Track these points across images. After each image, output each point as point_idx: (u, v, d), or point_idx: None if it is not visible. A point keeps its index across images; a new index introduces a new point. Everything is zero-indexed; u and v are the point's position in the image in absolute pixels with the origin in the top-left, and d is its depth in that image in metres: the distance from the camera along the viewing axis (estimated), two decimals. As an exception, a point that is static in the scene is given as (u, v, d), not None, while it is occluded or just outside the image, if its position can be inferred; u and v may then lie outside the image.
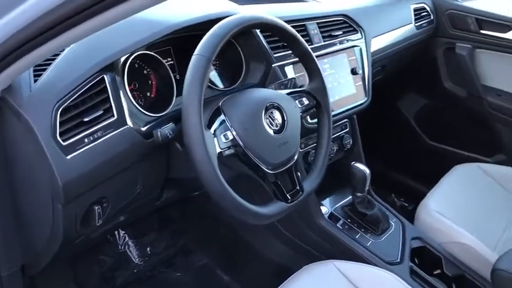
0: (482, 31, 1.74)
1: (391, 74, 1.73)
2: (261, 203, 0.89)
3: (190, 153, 0.78)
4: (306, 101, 1.01)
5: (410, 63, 1.85)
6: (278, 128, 0.91)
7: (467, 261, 1.27)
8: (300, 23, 1.23)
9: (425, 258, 1.29)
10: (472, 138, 1.88)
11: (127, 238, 1.54)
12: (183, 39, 1.03)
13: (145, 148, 0.89)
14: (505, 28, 1.69)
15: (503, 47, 1.70)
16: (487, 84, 1.78)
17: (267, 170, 0.88)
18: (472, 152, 1.85)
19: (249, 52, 1.13)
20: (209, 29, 0.85)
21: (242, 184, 0.93)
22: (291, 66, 1.17)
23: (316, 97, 1.02)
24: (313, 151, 1.25)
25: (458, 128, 1.92)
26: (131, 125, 0.86)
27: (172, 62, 1.05)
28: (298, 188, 0.94)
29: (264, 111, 0.89)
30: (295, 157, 0.94)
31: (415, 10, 1.69)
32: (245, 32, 0.96)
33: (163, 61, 1.00)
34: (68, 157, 0.76)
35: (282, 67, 1.14)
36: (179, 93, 1.00)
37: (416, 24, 1.68)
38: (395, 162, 2.07)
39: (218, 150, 0.83)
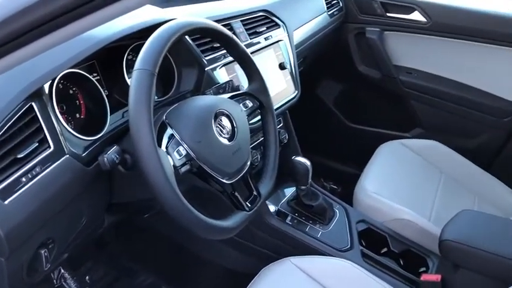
0: (388, 14, 1.83)
1: (311, 64, 1.76)
2: (219, 216, 0.85)
3: (147, 176, 0.72)
4: (249, 103, 0.98)
5: (325, 51, 1.90)
6: (229, 135, 0.87)
7: (409, 235, 1.34)
8: (225, 23, 1.19)
9: (372, 239, 1.33)
10: (390, 117, 1.99)
11: (62, 271, 1.41)
12: (107, 50, 0.94)
13: (88, 176, 0.81)
14: (409, 10, 1.79)
15: (410, 28, 1.81)
16: (398, 64, 1.88)
17: (225, 181, 0.84)
18: (392, 130, 1.96)
19: (179, 58, 1.07)
20: (138, 39, 0.79)
21: (196, 199, 0.88)
22: (224, 68, 1.13)
23: (259, 98, 1.00)
24: (254, 151, 1.23)
25: (376, 109, 2.01)
26: (70, 154, 0.77)
27: (98, 77, 0.96)
28: (255, 193, 0.92)
29: (213, 120, 0.85)
30: (249, 162, 0.91)
31: (325, -1, 1.73)
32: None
33: (90, 77, 0.91)
34: (6, 202, 0.66)
35: (214, 70, 1.10)
36: (113, 111, 0.93)
37: (328, 13, 1.72)
38: (319, 148, 2.12)
39: (173, 168, 0.77)
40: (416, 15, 1.78)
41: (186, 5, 1.18)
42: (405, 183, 1.51)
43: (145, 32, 0.88)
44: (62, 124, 0.79)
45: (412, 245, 1.32)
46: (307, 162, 1.26)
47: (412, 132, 1.94)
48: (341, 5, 1.83)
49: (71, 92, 0.91)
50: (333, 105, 2.08)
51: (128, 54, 0.98)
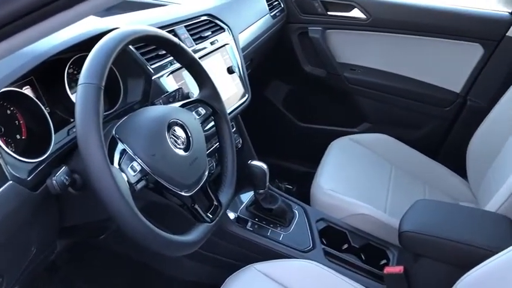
0: (329, 13, 1.86)
1: (257, 66, 1.75)
2: (181, 230, 0.82)
3: (101, 196, 0.67)
4: (202, 111, 0.95)
5: (271, 52, 1.90)
6: (185, 145, 0.84)
7: (368, 229, 1.36)
8: (169, 29, 1.15)
9: (333, 237, 1.34)
10: (339, 114, 2.02)
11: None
12: (46, 65, 0.88)
13: (35, 202, 0.75)
14: (348, 7, 1.83)
15: (351, 25, 1.84)
16: (342, 62, 1.91)
17: (184, 194, 0.81)
18: (341, 127, 1.99)
19: (123, 68, 1.02)
20: (79, 51, 0.74)
21: (155, 215, 0.84)
22: (171, 76, 1.09)
23: (211, 104, 0.97)
24: (209, 158, 1.20)
25: (325, 107, 2.04)
26: (13, 180, 0.71)
27: (38, 94, 0.90)
28: (216, 203, 0.89)
29: (166, 131, 0.81)
30: (206, 172, 0.89)
31: (267, 0, 1.72)
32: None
33: (29, 94, 0.85)
34: None
35: (162, 78, 1.06)
36: (57, 129, 0.87)
37: (271, 14, 1.72)
38: (272, 149, 2.12)
39: (128, 186, 0.73)
40: (356, 13, 1.82)
41: (127, 13, 1.13)
42: (359, 178, 1.53)
43: (87, 43, 0.84)
44: (1, 147, 0.73)
45: (372, 238, 1.34)
46: (264, 166, 1.25)
47: (360, 127, 1.98)
48: (282, 6, 1.83)
49: (8, 112, 0.84)
50: (282, 106, 2.08)
51: (69, 68, 0.92)
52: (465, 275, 0.96)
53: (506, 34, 1.66)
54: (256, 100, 2.04)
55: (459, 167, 1.66)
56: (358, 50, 1.88)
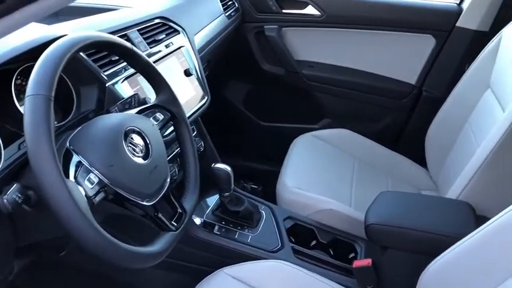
0: (284, 11, 1.86)
1: (215, 67, 1.73)
2: (146, 240, 0.79)
3: (57, 212, 0.64)
4: (160, 116, 0.92)
5: (228, 53, 1.88)
6: (144, 153, 0.81)
7: (334, 224, 1.37)
8: (121, 34, 1.12)
9: (301, 234, 1.34)
10: (299, 111, 2.02)
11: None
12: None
13: (-14, 223, 0.71)
14: (302, 5, 1.84)
15: (306, 22, 1.85)
16: (300, 59, 1.92)
17: (146, 204, 0.79)
18: (302, 124, 1.99)
19: (74, 76, 0.98)
20: (26, 60, 0.70)
21: (118, 227, 0.81)
22: (126, 81, 1.06)
23: (169, 109, 0.95)
24: (171, 164, 1.18)
25: (285, 105, 2.04)
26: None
27: (-18, 108, 0.85)
28: (180, 210, 0.87)
29: (123, 139, 0.78)
30: (168, 179, 0.86)
31: (221, 1, 1.71)
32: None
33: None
34: None
35: (116, 85, 1.03)
36: (7, 144, 0.82)
37: (226, 14, 1.70)
38: (235, 150, 2.11)
39: (86, 199, 0.70)
40: (310, 10, 1.83)
41: (77, 19, 1.09)
42: (323, 174, 1.54)
43: (34, 52, 0.79)
44: None
45: (339, 233, 1.35)
46: (228, 168, 1.23)
47: (321, 123, 1.99)
48: (237, 5, 1.82)
49: (-50, 129, 0.79)
50: (242, 106, 2.07)
51: (16, 79, 0.87)
52: (431, 263, 0.98)
53: (456, 25, 1.71)
54: (216, 101, 2.02)
55: (419, 157, 1.70)
56: (315, 47, 1.89)
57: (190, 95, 1.28)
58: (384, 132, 1.91)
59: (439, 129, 1.61)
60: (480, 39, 1.66)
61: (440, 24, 1.73)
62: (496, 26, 1.63)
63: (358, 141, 1.75)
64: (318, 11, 1.81)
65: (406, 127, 1.89)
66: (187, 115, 1.24)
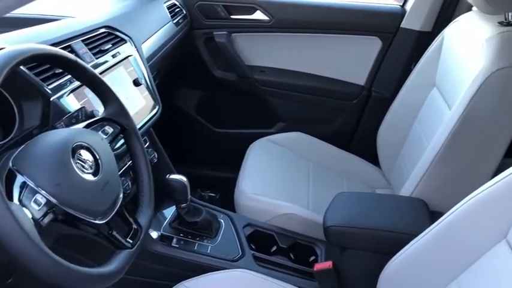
0: (232, 16, 1.85)
1: (165, 75, 1.70)
2: (102, 260, 0.76)
3: (2, 239, 0.60)
4: (109, 129, 0.89)
5: (178, 60, 1.85)
6: (93, 169, 0.77)
7: (294, 228, 1.37)
8: (64, 45, 1.07)
9: (261, 241, 1.33)
10: (254, 116, 2.02)
11: None
12: None
13: None
14: (251, 10, 1.84)
15: (255, 27, 1.85)
16: (251, 64, 1.91)
17: (98, 222, 0.75)
18: (257, 129, 1.99)
19: (16, 91, 0.92)
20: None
21: (70, 248, 0.77)
22: (72, 94, 1.01)
23: (119, 121, 0.91)
24: (123, 178, 1.14)
25: (239, 110, 2.03)
26: None
27: None
28: (135, 226, 0.84)
29: (71, 156, 0.74)
30: (121, 195, 0.83)
31: (168, 8, 1.68)
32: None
33: None
34: None
35: (62, 98, 0.98)
36: None
37: (174, 22, 1.67)
38: (190, 158, 2.08)
39: (33, 222, 0.66)
40: (259, 15, 1.83)
41: (14, 31, 1.03)
42: (280, 178, 1.54)
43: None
44: None
45: (298, 236, 1.35)
46: (184, 179, 1.20)
47: (276, 127, 1.99)
48: (185, 12, 1.79)
49: None
50: (196, 113, 2.04)
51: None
52: (390, 261, 1.00)
53: (401, 26, 1.77)
54: (168, 110, 1.98)
55: (372, 156, 1.73)
56: (265, 52, 1.90)
57: (140, 105, 1.24)
58: (336, 133, 1.94)
59: (390, 129, 1.65)
60: (424, 39, 1.72)
61: (385, 26, 1.78)
62: (438, 26, 1.69)
63: (312, 143, 1.77)
64: (267, 16, 1.82)
65: (358, 127, 1.93)
66: (139, 126, 1.20)
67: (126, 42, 1.29)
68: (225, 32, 1.85)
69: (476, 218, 0.88)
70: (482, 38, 1.21)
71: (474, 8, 1.48)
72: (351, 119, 1.93)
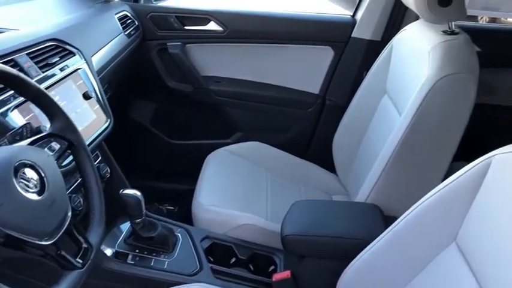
0: (186, 27, 1.84)
1: (119, 87, 1.66)
2: (50, 280, 0.72)
3: None
4: (56, 145, 0.86)
5: (132, 72, 1.82)
6: (38, 188, 0.74)
7: (252, 238, 1.36)
8: (7, 59, 1.02)
9: (219, 253, 1.32)
10: (211, 127, 2.00)
11: None
12: None
13: None
14: (204, 21, 1.83)
15: (209, 38, 1.85)
16: (207, 75, 1.91)
17: (45, 243, 0.71)
18: (215, 139, 1.98)
19: (-46, 108, 0.88)
20: None
21: (17, 271, 0.73)
22: (16, 110, 0.97)
23: (66, 137, 0.88)
24: (74, 195, 1.10)
25: (196, 121, 2.01)
26: None
27: None
28: (85, 245, 0.81)
29: (13, 175, 0.71)
30: (70, 213, 0.79)
31: (119, 19, 1.64)
32: None
33: None
34: None
35: (5, 115, 0.94)
36: None
37: (126, 33, 1.64)
38: (147, 171, 2.04)
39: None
40: (213, 25, 1.83)
41: None
42: (237, 188, 1.53)
43: None
44: None
45: (257, 247, 1.34)
46: (137, 193, 1.18)
47: (233, 138, 1.99)
48: (137, 23, 1.76)
49: None
50: (152, 125, 2.00)
51: None
52: (348, 267, 1.01)
53: (352, 35, 1.81)
54: (123, 123, 1.94)
55: (328, 163, 1.75)
56: (220, 62, 1.90)
57: (91, 119, 1.21)
58: (293, 141, 1.96)
59: (344, 136, 1.68)
60: (374, 48, 1.77)
61: (337, 35, 1.82)
62: (388, 35, 1.74)
63: (269, 152, 1.77)
64: (220, 26, 1.82)
65: (314, 135, 1.95)
66: (89, 140, 1.17)
67: (74, 55, 1.25)
68: (179, 43, 1.84)
69: (427, 221, 0.91)
70: (428, 46, 1.25)
71: (421, 17, 1.54)
72: (307, 127, 1.95)
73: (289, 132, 1.96)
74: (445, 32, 1.28)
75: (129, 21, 1.71)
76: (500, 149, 0.80)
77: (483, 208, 0.81)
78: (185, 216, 1.50)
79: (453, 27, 1.28)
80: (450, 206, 0.87)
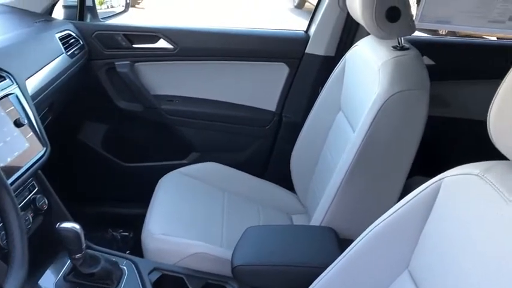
0: (134, 45, 1.77)
1: (63, 110, 1.57)
2: None
3: None
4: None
5: (77, 93, 1.73)
6: None
7: (205, 268, 1.28)
8: None
9: (169, 286, 1.24)
10: (165, 148, 1.93)
11: None
12: None
13: None
14: (153, 39, 1.76)
15: (159, 56, 1.78)
16: (157, 94, 1.83)
17: None
18: (169, 160, 1.90)
19: None
20: None
21: None
22: None
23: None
24: (3, 232, 1.00)
25: (148, 142, 1.94)
26: None
27: None
28: (1, 295, 0.72)
29: None
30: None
31: (61, 39, 1.55)
32: None
33: None
34: None
35: None
36: None
37: (68, 53, 1.55)
38: (99, 196, 1.95)
39: None
40: (162, 43, 1.76)
41: None
42: (191, 214, 1.46)
43: None
44: None
45: (210, 277, 1.27)
46: (76, 226, 1.08)
47: (189, 158, 1.92)
48: (82, 42, 1.68)
49: None
50: (102, 148, 1.91)
51: None
52: (301, 297, 0.95)
53: (306, 51, 1.77)
54: (70, 147, 1.85)
55: (287, 182, 1.71)
56: (172, 81, 1.83)
57: (23, 148, 1.11)
58: (251, 161, 1.90)
59: (301, 154, 1.64)
60: (329, 63, 1.74)
61: (291, 52, 1.78)
62: (341, 51, 1.72)
63: (226, 173, 1.71)
64: (171, 44, 1.75)
65: (271, 154, 1.91)
66: (22, 171, 1.08)
67: (5, 79, 1.16)
68: (127, 62, 1.76)
69: (380, 247, 0.87)
70: (378, 62, 1.23)
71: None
72: (265, 146, 1.90)
73: (247, 151, 1.91)
74: (395, 47, 1.25)
75: (72, 40, 1.62)
76: (450, 171, 0.77)
77: (433, 234, 0.77)
78: (140, 242, 1.42)
79: (403, 42, 1.26)
80: (402, 231, 0.83)
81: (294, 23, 1.81)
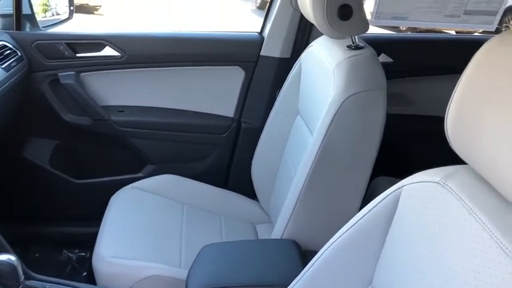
0: (78, 55, 1.65)
1: (4, 127, 1.45)
2: None
3: None
4: None
5: (18, 108, 1.61)
6: None
7: (161, 291, 1.20)
8: None
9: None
10: (117, 161, 1.82)
11: None
12: None
13: None
14: (99, 46, 1.66)
15: (107, 65, 1.67)
16: (106, 105, 1.72)
17: None
18: (123, 174, 1.79)
19: None
20: None
21: None
22: None
23: None
24: None
25: (99, 157, 1.82)
26: None
27: None
28: None
29: None
30: None
31: (-6, 52, 1.43)
32: None
33: None
34: None
35: None
36: None
37: (3, 66, 1.43)
38: (50, 216, 1.82)
39: None
40: (109, 51, 1.66)
41: None
42: (146, 232, 1.37)
43: None
44: None
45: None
46: (12, 258, 0.98)
47: (144, 171, 1.81)
48: (19, 54, 1.55)
49: None
50: (50, 165, 1.78)
51: None
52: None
53: (261, 54, 1.70)
54: (15, 165, 1.72)
55: (250, 191, 1.64)
56: (121, 90, 1.72)
57: None
58: (211, 170, 1.82)
59: (261, 161, 1.57)
60: (285, 65, 1.67)
61: (246, 54, 1.71)
62: (296, 52, 1.65)
63: (185, 185, 1.62)
64: (117, 51, 1.65)
65: (232, 162, 1.83)
66: None
67: None
68: (72, 72, 1.64)
69: (342, 261, 0.81)
70: (333, 63, 1.17)
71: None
72: (224, 154, 1.82)
73: (206, 160, 1.82)
74: (349, 47, 1.20)
75: (8, 52, 1.49)
76: (409, 178, 0.72)
77: (394, 247, 0.71)
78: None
79: (357, 41, 1.20)
80: (362, 245, 0.78)
81: (257, 24, 1.77)
